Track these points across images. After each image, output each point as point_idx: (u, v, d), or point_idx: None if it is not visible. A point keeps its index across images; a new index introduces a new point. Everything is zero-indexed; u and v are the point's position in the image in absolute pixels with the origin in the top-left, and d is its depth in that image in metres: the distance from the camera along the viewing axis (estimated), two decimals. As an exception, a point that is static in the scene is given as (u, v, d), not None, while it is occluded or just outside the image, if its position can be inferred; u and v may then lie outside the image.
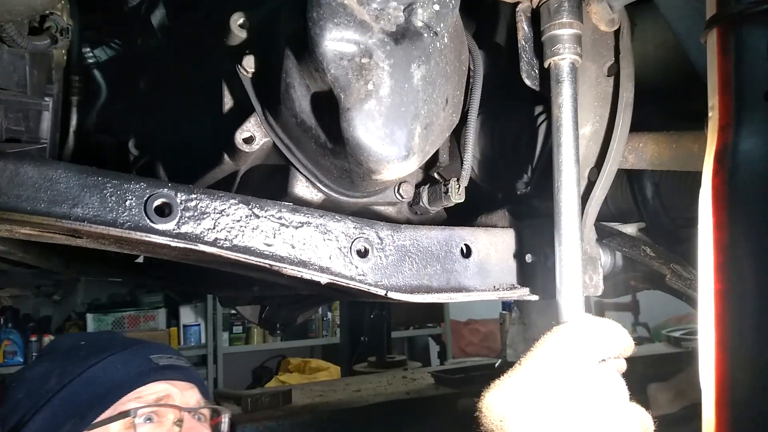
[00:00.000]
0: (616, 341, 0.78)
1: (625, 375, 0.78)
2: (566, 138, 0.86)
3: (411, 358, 5.15)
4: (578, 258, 0.84)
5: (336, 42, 0.78)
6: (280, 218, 0.86)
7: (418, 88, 0.83)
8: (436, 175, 1.22)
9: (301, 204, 0.90)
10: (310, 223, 0.87)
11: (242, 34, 0.98)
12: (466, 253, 0.97)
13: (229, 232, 0.82)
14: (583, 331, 0.78)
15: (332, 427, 2.55)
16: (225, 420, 1.31)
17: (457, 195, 1.02)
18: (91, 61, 1.77)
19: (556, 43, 0.88)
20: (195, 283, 2.23)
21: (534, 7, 0.94)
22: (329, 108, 0.82)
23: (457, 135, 1.10)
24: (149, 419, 1.16)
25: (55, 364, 1.22)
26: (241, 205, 0.84)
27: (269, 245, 0.84)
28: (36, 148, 1.25)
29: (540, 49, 0.94)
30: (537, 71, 0.98)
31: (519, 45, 0.97)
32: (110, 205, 0.76)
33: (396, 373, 3.46)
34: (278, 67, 0.88)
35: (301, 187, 1.00)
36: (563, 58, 0.88)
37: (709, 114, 0.72)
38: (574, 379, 0.73)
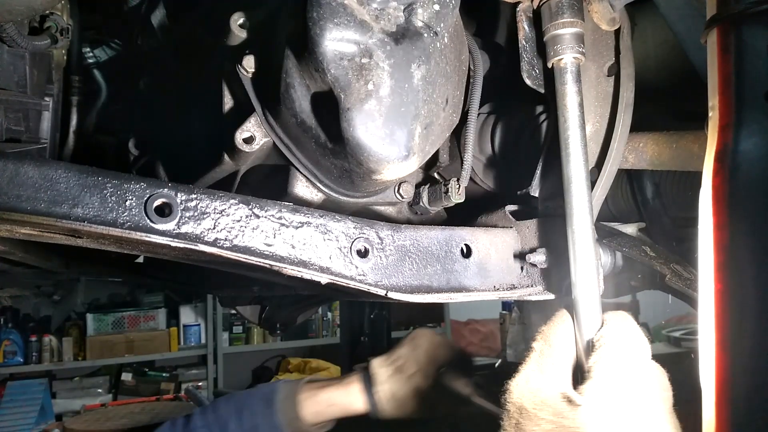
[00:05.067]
0: None
1: None
2: (574, 137, 0.86)
3: (411, 358, 5.14)
4: (593, 255, 0.84)
5: (336, 42, 0.78)
6: (280, 218, 0.86)
7: (418, 88, 0.83)
8: (436, 175, 1.21)
9: (301, 204, 0.90)
10: (310, 223, 0.87)
11: (242, 34, 0.98)
12: (466, 253, 0.97)
13: (229, 232, 0.82)
14: (634, 331, 0.79)
15: (331, 428, 2.54)
16: None
17: (457, 195, 1.02)
18: (91, 61, 1.77)
19: (560, 43, 0.88)
20: (195, 283, 2.23)
21: (535, 7, 0.94)
22: (329, 108, 0.82)
23: (457, 135, 1.10)
24: None
25: None
26: (241, 205, 0.84)
27: (269, 245, 0.84)
28: (36, 148, 1.25)
29: (541, 49, 0.94)
30: (538, 71, 0.98)
31: (520, 45, 0.97)
32: (110, 205, 0.76)
33: (396, 373, 3.44)
34: (278, 67, 0.88)
35: (301, 187, 1.00)
36: (567, 57, 0.88)
37: (709, 114, 0.72)
38: (647, 379, 0.75)
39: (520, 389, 0.79)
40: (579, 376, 0.80)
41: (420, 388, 1.49)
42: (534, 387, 0.77)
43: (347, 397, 1.55)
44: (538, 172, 1.04)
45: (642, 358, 0.77)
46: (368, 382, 1.53)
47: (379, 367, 1.54)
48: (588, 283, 0.83)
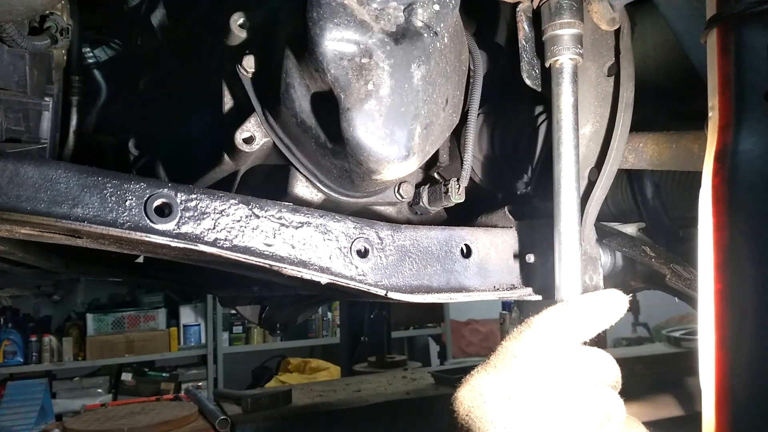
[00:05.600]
0: (598, 320, 0.75)
1: (625, 375, 0.77)
2: (566, 138, 0.86)
3: (411, 358, 5.15)
4: (577, 258, 0.84)
5: (336, 42, 0.78)
6: (280, 218, 0.86)
7: (418, 88, 0.83)
8: (436, 175, 1.21)
9: (301, 204, 0.90)
10: (310, 223, 0.87)
11: (242, 34, 0.98)
12: (466, 253, 0.97)
13: (229, 232, 0.82)
14: (555, 317, 0.75)
15: (332, 427, 2.55)
16: None
17: (457, 195, 1.02)
18: (91, 61, 1.77)
19: (557, 43, 0.88)
20: (195, 283, 2.23)
21: (534, 7, 0.94)
22: (329, 108, 0.82)
23: (457, 135, 1.10)
24: None
25: None
26: (241, 205, 0.84)
27: (269, 245, 0.84)
28: (36, 148, 1.25)
29: (541, 49, 0.94)
30: (538, 71, 0.98)
31: (519, 45, 0.97)
32: (110, 205, 0.76)
33: (396, 373, 3.45)
34: (278, 67, 0.88)
35: (301, 187, 1.00)
36: (564, 58, 0.88)
37: (709, 114, 0.72)
38: (538, 365, 0.71)
39: None
40: None
41: None
42: None
43: None
44: (538, 172, 1.04)
45: (559, 343, 0.72)
46: None
47: None
48: (571, 283, 0.83)
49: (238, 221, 0.83)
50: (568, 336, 0.74)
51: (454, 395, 0.73)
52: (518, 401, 0.69)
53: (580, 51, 0.89)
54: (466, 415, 0.70)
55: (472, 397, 0.71)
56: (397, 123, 0.82)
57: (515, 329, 0.76)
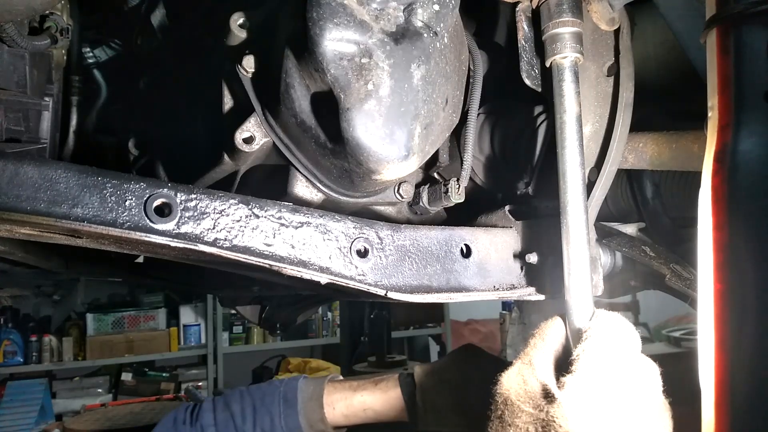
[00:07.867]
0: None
1: None
2: (570, 137, 0.86)
3: (411, 358, 5.15)
4: (586, 258, 0.84)
5: (336, 42, 0.78)
6: (279, 218, 0.86)
7: (418, 88, 0.83)
8: (436, 175, 1.21)
9: (301, 204, 0.90)
10: (310, 223, 0.87)
11: (242, 34, 0.98)
12: (466, 253, 0.97)
13: (229, 232, 0.82)
14: (623, 325, 0.78)
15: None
16: None
17: (456, 195, 1.02)
18: (91, 61, 1.77)
19: (557, 42, 0.88)
20: (195, 283, 2.23)
21: (534, 6, 0.94)
22: (329, 108, 0.82)
23: (457, 135, 1.10)
24: None
25: None
26: (240, 205, 0.84)
27: (269, 245, 0.84)
28: (36, 148, 1.25)
29: (540, 49, 0.94)
30: (537, 71, 0.98)
31: (519, 45, 0.97)
32: (110, 205, 0.76)
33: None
34: (278, 67, 0.88)
35: (301, 187, 1.00)
36: (565, 57, 0.88)
37: (709, 114, 0.72)
38: (633, 373, 0.74)
39: (508, 380, 0.79)
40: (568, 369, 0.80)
41: (465, 401, 1.39)
42: (521, 379, 0.77)
43: (385, 403, 1.45)
44: (538, 172, 1.04)
45: (630, 350, 0.76)
46: (408, 390, 1.44)
47: (423, 375, 1.44)
48: (581, 283, 0.83)
49: (238, 221, 0.83)
50: (638, 346, 0.78)
51: (555, 403, 0.73)
52: (623, 410, 0.72)
53: (581, 49, 0.89)
54: (581, 423, 0.71)
55: (585, 405, 0.72)
56: (397, 123, 0.82)
57: (594, 337, 0.77)
